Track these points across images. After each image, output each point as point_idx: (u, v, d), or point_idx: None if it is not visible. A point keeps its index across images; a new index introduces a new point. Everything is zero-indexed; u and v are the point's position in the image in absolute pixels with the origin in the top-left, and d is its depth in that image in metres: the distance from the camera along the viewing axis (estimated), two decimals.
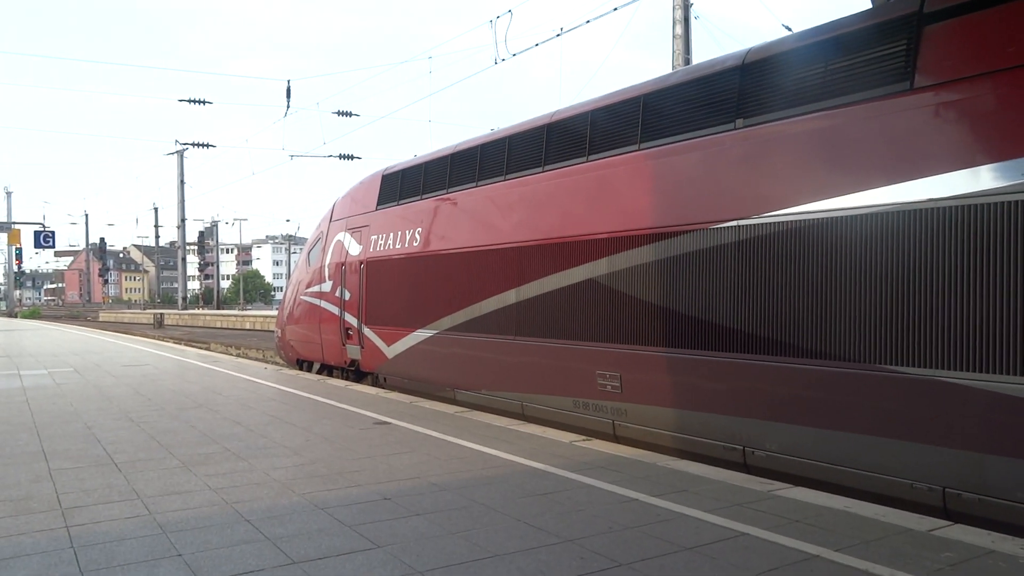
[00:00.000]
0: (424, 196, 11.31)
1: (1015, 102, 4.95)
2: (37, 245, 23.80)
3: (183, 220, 58.59)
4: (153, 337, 32.72)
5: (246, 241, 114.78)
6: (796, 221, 6.07)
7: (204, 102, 32.82)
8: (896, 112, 5.58)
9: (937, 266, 5.19)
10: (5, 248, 59.67)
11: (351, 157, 30.73)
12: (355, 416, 8.67)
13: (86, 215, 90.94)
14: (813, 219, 5.94)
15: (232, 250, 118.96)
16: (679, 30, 20.31)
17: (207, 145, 38.39)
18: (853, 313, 5.64)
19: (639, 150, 7.70)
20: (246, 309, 67.10)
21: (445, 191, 10.82)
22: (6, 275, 75.10)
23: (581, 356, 8.14)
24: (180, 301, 62.64)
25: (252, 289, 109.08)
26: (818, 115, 6.09)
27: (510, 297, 9.18)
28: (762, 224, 6.30)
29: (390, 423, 8.19)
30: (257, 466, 6.18)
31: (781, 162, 6.33)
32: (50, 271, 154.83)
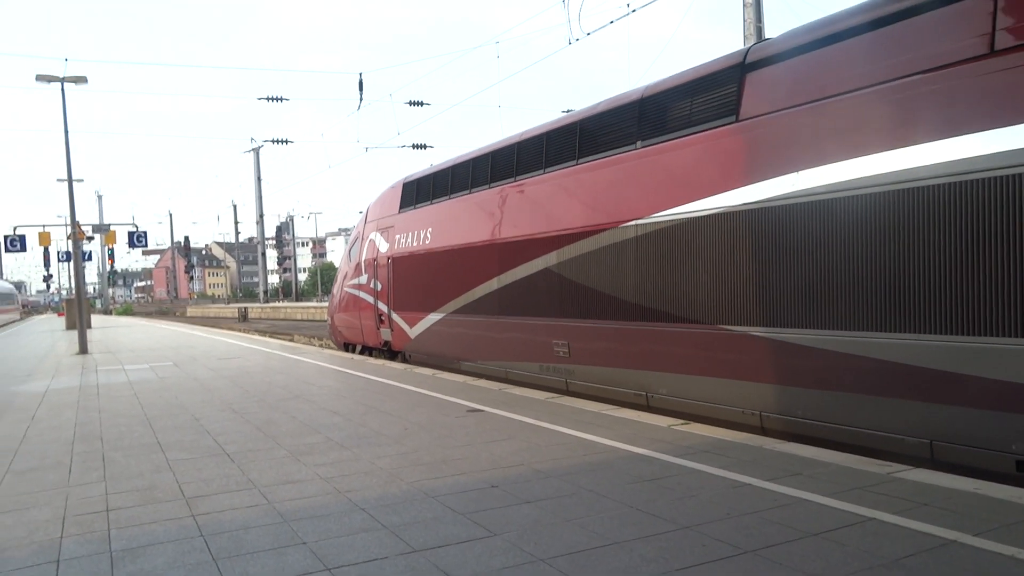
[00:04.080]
0: (433, 201, 13.40)
1: (801, 132, 6.54)
2: (131, 245, 24.86)
3: (261, 216, 60.45)
4: (239, 330, 33.93)
5: (321, 234, 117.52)
6: (665, 221, 7.90)
7: (281, 99, 33.69)
8: (725, 138, 7.33)
9: (746, 253, 6.97)
10: (97, 249, 62.67)
11: (423, 146, 31.01)
12: (447, 404, 8.75)
13: (170, 215, 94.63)
14: (675, 220, 7.77)
15: (308, 243, 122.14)
16: None
17: (284, 141, 39.40)
18: (703, 288, 7.43)
19: (576, 164, 9.51)
20: (324, 300, 68.84)
21: (448, 197, 12.83)
22: (99, 275, 79.01)
23: (542, 329, 9.98)
24: (261, 295, 64.76)
25: (328, 280, 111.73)
26: (682, 139, 7.86)
27: (494, 284, 11.06)
28: (647, 223, 8.14)
29: (483, 410, 8.24)
30: (362, 455, 6.29)
31: (660, 175, 8.08)
32: (139, 269, 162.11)
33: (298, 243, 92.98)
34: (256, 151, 58.21)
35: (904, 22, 5.94)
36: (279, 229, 74.15)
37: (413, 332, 13.68)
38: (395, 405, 8.79)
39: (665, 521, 4.34)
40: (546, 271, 9.77)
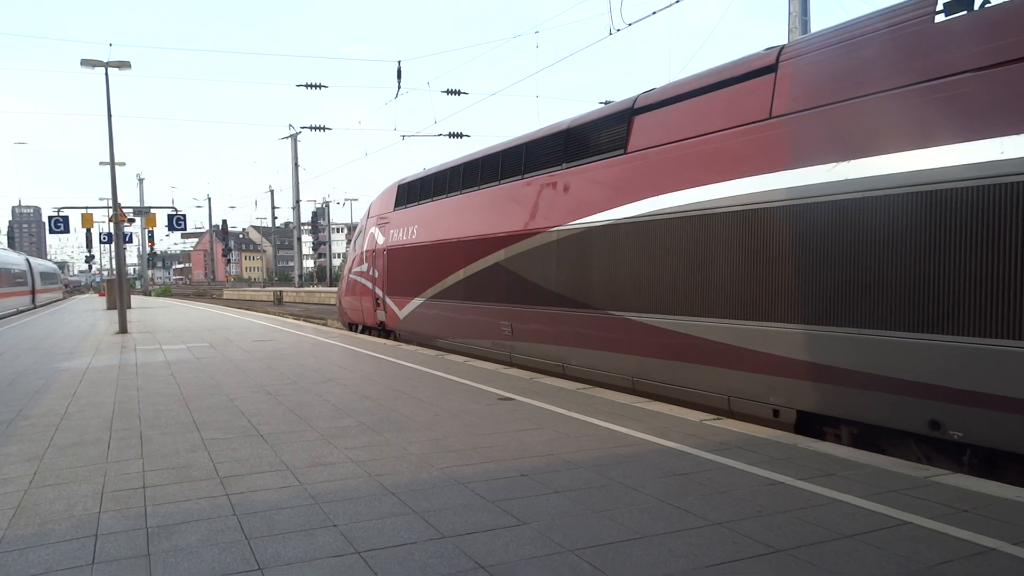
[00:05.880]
0: (420, 202, 15.49)
1: (661, 165, 8.41)
2: (171, 228, 25.27)
3: (297, 202, 61.00)
4: (274, 313, 34.37)
5: (356, 220, 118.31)
6: (573, 228, 9.89)
7: (320, 86, 33.86)
8: (617, 166, 9.22)
9: (623, 255, 8.93)
10: (138, 231, 63.88)
11: (460, 135, 30.97)
12: (478, 392, 8.78)
13: (209, 199, 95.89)
14: (579, 228, 9.77)
15: (343, 229, 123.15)
16: None
17: (322, 128, 39.64)
18: (597, 281, 9.41)
19: (522, 179, 11.43)
20: None
21: (430, 199, 14.96)
22: (139, 256, 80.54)
23: (494, 313, 11.98)
24: (296, 279, 65.49)
25: None
26: (591, 164, 9.78)
27: (460, 274, 13.09)
28: (563, 229, 10.13)
29: (514, 399, 8.24)
30: (393, 440, 6.34)
31: (573, 192, 10.04)
32: (177, 252, 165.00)
33: (333, 229, 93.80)
34: (294, 137, 58.71)
35: (714, 92, 7.97)
36: (315, 215, 74.85)
37: (402, 314, 15.87)
38: (426, 391, 8.84)
39: (696, 517, 4.30)
40: (496, 265, 11.87)
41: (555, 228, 10.27)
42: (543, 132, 11.27)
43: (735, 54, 8.63)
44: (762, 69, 7.40)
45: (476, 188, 12.90)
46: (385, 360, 12.12)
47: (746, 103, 7.46)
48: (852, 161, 6.30)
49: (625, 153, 9.07)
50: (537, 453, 5.83)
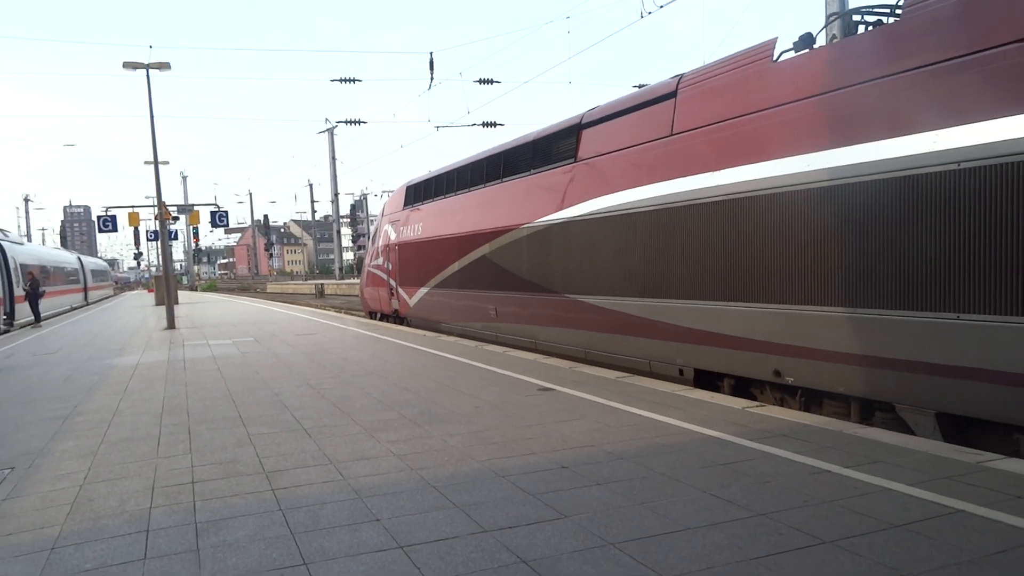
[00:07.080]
0: (424, 202, 17.52)
1: (605, 171, 10.11)
2: (213, 224, 25.79)
3: (336, 195, 61.59)
4: (316, 306, 34.85)
5: None
6: (538, 225, 11.73)
7: (354, 80, 34.09)
8: (569, 172, 11.01)
9: (575, 247, 10.69)
10: (183, 228, 65.11)
11: (493, 124, 30.92)
12: (518, 382, 8.78)
13: (250, 194, 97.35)
14: (543, 225, 11.60)
15: None
16: None
17: (357, 122, 39.88)
18: (557, 269, 11.23)
19: (501, 182, 13.40)
20: None
21: (432, 200, 17.01)
22: (185, 252, 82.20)
23: (483, 299, 13.96)
24: (337, 271, 66.25)
25: None
26: (550, 171, 11.60)
27: (456, 266, 15.06)
28: (531, 226, 11.99)
29: (554, 389, 8.23)
30: (434, 433, 6.38)
31: (537, 194, 11.88)
32: (221, 247, 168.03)
33: (371, 220, 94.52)
34: (330, 132, 59.24)
35: (636, 112, 9.68)
36: (353, 207, 75.53)
37: (412, 302, 17.88)
38: (466, 383, 8.88)
39: (739, 507, 4.25)
40: (483, 257, 13.76)
41: (525, 225, 12.16)
42: (517, 142, 13.24)
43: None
44: (666, 95, 9.13)
45: (467, 190, 14.93)
46: (426, 352, 12.20)
47: (656, 122, 9.18)
48: (721, 171, 8.01)
49: (575, 162, 10.89)
50: (578, 444, 5.82)
